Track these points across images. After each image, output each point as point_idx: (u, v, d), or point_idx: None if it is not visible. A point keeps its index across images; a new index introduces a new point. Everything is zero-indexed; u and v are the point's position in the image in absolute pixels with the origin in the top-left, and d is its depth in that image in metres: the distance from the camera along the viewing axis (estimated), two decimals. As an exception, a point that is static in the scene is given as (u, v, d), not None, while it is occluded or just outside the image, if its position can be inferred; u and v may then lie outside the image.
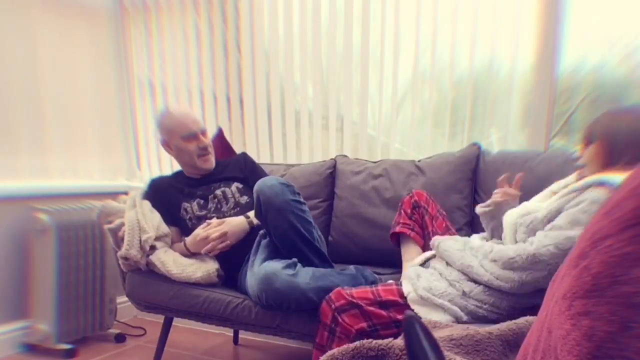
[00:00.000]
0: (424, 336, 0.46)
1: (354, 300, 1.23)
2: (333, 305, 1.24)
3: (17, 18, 2.14)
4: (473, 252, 1.23)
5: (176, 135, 1.80)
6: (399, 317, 1.22)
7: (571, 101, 1.77)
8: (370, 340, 0.67)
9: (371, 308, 1.22)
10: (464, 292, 1.18)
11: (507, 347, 0.77)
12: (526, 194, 1.50)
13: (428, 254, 1.40)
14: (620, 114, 1.16)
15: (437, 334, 0.78)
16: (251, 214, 1.70)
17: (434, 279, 1.24)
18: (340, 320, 1.22)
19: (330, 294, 1.27)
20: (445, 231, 1.51)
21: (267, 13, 2.27)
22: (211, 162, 1.86)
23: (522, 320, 0.84)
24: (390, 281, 1.40)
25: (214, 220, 1.68)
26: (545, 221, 1.15)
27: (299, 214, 1.49)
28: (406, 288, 1.25)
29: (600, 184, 1.08)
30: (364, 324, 1.21)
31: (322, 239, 1.65)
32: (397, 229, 1.52)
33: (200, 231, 1.67)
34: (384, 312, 1.22)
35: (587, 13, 1.71)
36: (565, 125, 1.78)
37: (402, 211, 1.55)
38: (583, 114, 1.76)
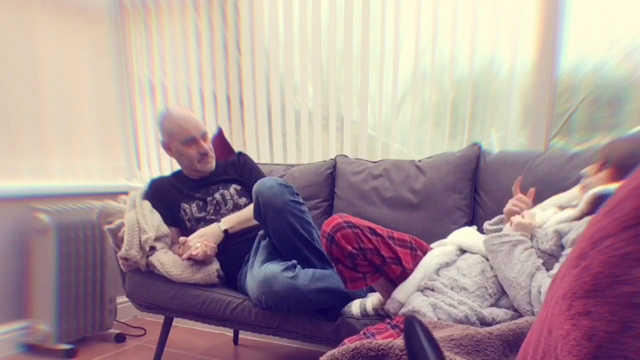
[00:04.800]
0: (424, 336, 0.46)
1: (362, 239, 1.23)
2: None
3: (17, 18, 2.14)
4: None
5: (176, 140, 1.78)
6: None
7: (571, 101, 1.77)
8: (370, 340, 0.67)
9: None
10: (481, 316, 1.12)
11: (507, 347, 0.77)
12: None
13: (414, 285, 1.23)
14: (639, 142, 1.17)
15: (437, 334, 0.78)
16: (225, 220, 1.70)
17: (451, 309, 1.12)
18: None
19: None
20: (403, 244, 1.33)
21: (267, 13, 2.27)
22: (211, 164, 1.85)
23: (522, 320, 0.84)
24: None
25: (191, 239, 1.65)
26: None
27: (298, 214, 1.49)
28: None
29: (604, 197, 1.07)
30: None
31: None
32: (349, 287, 1.28)
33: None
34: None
35: (587, 13, 1.71)
36: (565, 125, 1.78)
37: (340, 266, 1.25)
38: (583, 114, 1.75)
